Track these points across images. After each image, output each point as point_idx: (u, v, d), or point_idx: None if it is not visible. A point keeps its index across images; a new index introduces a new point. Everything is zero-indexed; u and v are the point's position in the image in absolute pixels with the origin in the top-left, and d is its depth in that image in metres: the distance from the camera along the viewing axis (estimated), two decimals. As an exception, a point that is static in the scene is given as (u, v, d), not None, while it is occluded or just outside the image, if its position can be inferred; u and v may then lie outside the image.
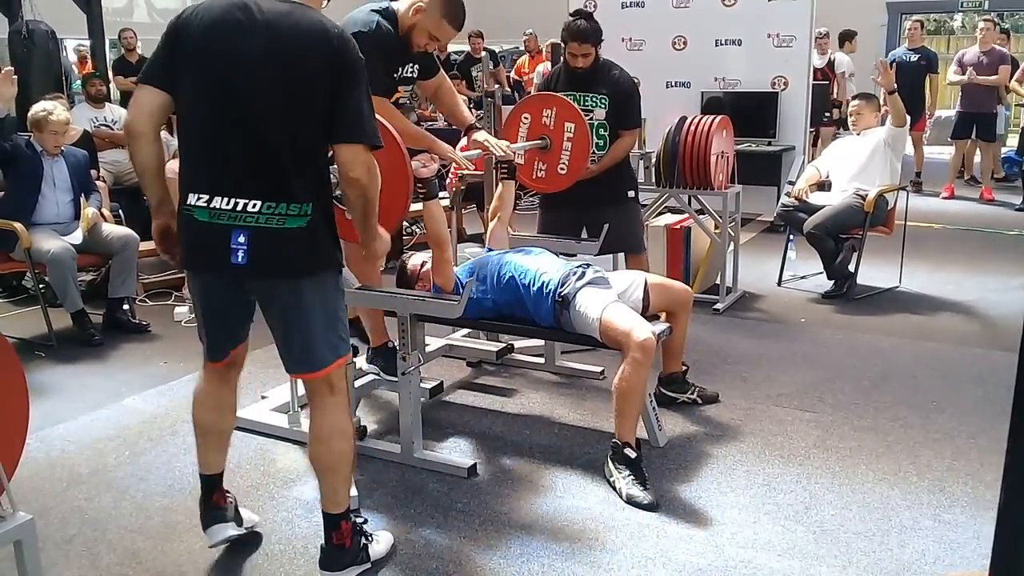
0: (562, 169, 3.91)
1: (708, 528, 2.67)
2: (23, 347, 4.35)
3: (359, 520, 2.47)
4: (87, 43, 9.17)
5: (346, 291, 2.98)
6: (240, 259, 2.12)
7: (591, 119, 4.00)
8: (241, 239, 2.11)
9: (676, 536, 2.62)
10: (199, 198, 2.14)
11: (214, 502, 2.52)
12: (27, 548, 1.97)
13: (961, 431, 3.34)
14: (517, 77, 10.81)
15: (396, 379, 3.09)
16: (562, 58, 4.13)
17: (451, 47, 11.58)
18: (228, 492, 2.57)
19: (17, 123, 6.69)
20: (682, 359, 3.56)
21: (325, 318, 2.25)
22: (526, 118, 3.95)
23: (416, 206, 3.04)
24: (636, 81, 4.19)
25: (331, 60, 2.11)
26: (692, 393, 3.58)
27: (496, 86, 3.96)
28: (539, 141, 3.90)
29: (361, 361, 3.46)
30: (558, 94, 3.98)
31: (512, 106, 4.21)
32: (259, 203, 2.11)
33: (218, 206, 2.12)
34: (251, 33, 2.09)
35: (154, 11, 12.51)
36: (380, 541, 2.52)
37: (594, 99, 4.03)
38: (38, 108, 4.63)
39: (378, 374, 3.41)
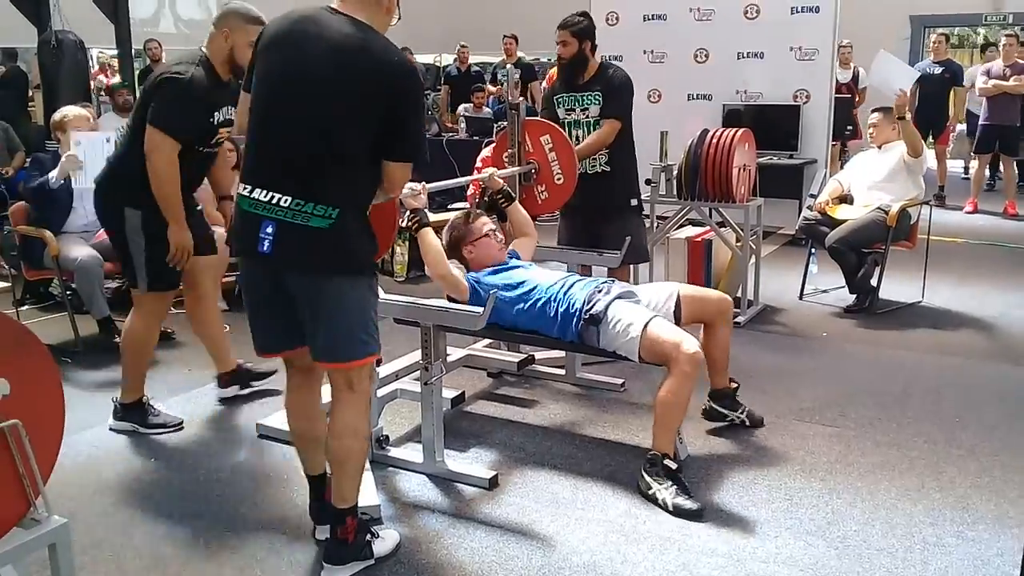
0: (559, 179, 4.03)
1: (730, 542, 2.67)
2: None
3: (365, 517, 2.54)
4: (111, 52, 9.29)
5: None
6: (266, 248, 2.26)
7: (588, 116, 4.19)
8: (269, 229, 2.26)
9: (698, 550, 2.62)
10: (245, 187, 2.31)
11: (324, 500, 2.60)
12: (61, 551, 2.01)
13: (984, 447, 3.32)
14: (548, 87, 10.66)
15: (156, 431, 3.44)
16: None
17: (472, 59, 11.33)
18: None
19: (46, 133, 6.77)
20: (728, 373, 3.45)
21: (348, 316, 2.34)
22: (507, 156, 4.06)
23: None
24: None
25: (387, 83, 2.23)
26: (742, 413, 3.46)
27: (520, 98, 3.96)
28: (527, 166, 4.02)
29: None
30: (537, 119, 4.17)
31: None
32: (289, 199, 2.24)
33: (257, 197, 2.28)
34: (311, 45, 2.24)
35: (180, 21, 12.64)
36: (385, 539, 2.58)
37: (588, 97, 4.20)
38: (57, 114, 4.69)
39: (134, 430, 3.49)
